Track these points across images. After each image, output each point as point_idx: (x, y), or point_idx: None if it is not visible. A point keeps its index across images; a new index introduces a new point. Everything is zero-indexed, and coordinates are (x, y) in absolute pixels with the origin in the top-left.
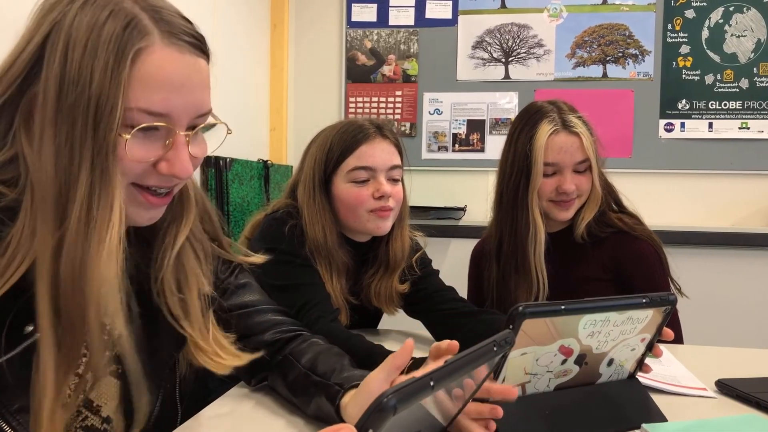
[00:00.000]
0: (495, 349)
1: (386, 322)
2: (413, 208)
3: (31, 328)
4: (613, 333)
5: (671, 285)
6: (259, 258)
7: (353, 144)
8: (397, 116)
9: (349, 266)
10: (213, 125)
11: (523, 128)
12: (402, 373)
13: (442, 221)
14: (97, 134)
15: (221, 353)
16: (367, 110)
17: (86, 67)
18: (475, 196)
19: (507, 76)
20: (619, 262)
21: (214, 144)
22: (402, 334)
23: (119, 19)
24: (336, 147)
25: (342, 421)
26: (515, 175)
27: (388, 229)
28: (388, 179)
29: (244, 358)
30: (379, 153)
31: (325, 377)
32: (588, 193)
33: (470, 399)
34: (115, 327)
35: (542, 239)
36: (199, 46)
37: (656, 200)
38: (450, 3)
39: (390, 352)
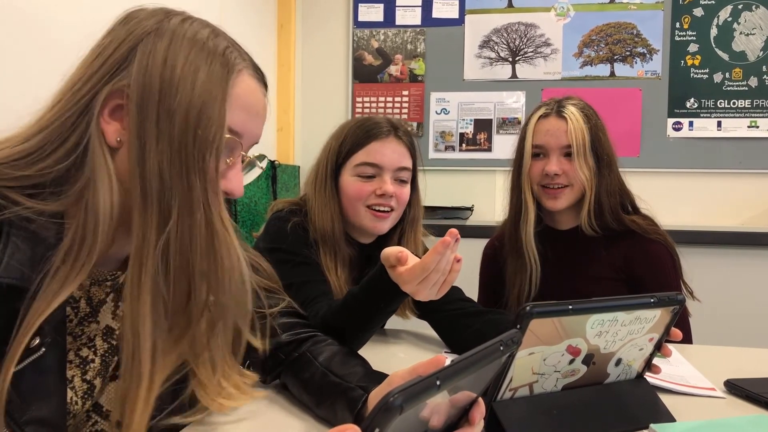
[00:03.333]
0: (502, 348)
1: (393, 322)
2: None
3: (36, 342)
4: (621, 333)
5: (683, 288)
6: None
7: (365, 139)
8: (404, 116)
9: (353, 258)
10: (253, 165)
11: (528, 117)
12: None
13: (450, 221)
14: (199, 138)
15: (223, 389)
16: (374, 110)
17: (191, 74)
18: (483, 196)
19: (514, 75)
20: (631, 262)
21: (249, 178)
22: (409, 334)
23: (220, 41)
24: (349, 139)
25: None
26: (515, 160)
27: (385, 230)
28: (394, 179)
29: (245, 399)
30: (389, 152)
31: (345, 379)
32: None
33: (478, 398)
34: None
35: (532, 219)
36: (266, 84)
37: (664, 200)
38: (457, 2)
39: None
